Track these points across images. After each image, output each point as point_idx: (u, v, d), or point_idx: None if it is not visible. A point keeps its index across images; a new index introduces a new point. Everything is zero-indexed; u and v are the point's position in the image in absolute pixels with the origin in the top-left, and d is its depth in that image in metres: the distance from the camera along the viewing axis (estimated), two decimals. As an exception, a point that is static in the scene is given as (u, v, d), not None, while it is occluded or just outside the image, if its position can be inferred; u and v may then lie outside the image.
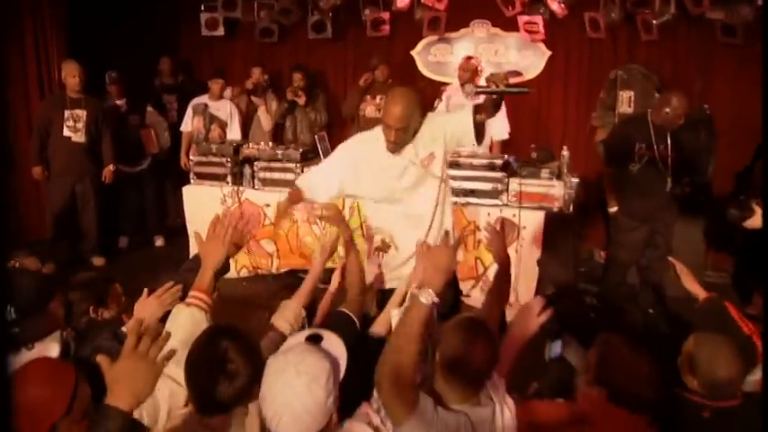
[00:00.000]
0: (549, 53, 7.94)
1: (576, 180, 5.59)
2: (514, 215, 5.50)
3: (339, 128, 8.12)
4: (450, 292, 3.82)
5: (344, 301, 3.14)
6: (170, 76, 8.40)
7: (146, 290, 2.63)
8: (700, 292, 3.51)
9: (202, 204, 6.46)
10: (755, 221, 3.92)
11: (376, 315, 3.13)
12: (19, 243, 6.24)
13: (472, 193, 5.68)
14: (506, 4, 7.48)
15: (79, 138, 6.71)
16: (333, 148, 5.53)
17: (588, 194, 6.59)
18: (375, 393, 2.26)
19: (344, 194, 3.99)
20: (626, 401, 2.43)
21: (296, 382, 1.98)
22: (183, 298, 2.44)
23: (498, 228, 3.30)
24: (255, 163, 6.34)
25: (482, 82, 3.83)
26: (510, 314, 3.20)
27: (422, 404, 2.22)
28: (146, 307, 2.54)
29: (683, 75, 7.39)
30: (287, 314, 2.72)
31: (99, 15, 7.99)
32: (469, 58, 6.94)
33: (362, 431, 2.21)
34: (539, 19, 7.53)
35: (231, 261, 2.68)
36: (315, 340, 2.27)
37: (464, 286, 5.41)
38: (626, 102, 7.31)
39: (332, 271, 3.47)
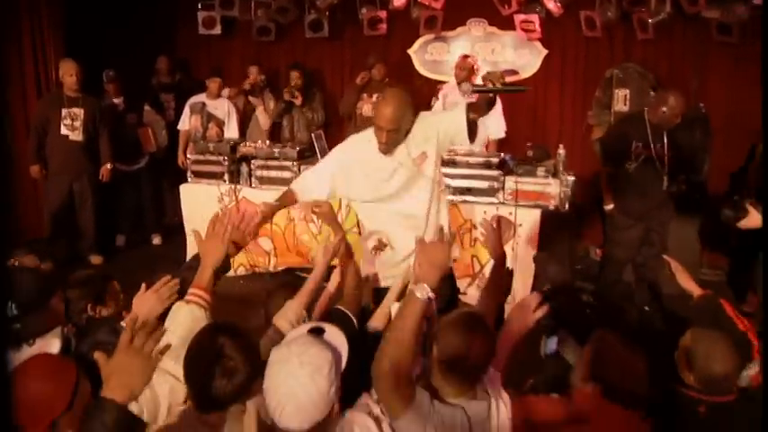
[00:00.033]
0: (545, 52, 7.96)
1: (572, 178, 5.59)
2: (511, 213, 5.51)
3: (336, 126, 8.14)
4: (447, 288, 3.84)
5: (341, 300, 3.15)
6: (167, 75, 8.40)
7: (143, 285, 2.64)
8: (695, 290, 3.53)
9: (200, 203, 6.47)
10: (749, 222, 3.93)
11: (373, 310, 3.15)
12: (17, 241, 6.25)
13: (468, 191, 5.69)
14: (503, 2, 7.51)
15: (77, 136, 6.72)
16: (330, 146, 5.55)
17: (584, 192, 6.61)
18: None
19: (337, 195, 3.99)
20: (620, 397, 2.45)
21: (299, 373, 1.99)
22: (182, 295, 2.44)
23: (494, 225, 3.30)
24: (252, 161, 6.35)
25: (479, 80, 3.83)
26: (508, 310, 3.22)
27: (418, 398, 2.25)
28: (144, 302, 2.55)
29: (679, 73, 7.41)
30: (289, 314, 2.73)
31: (96, 14, 7.99)
32: (466, 56, 6.95)
33: (363, 421, 2.23)
34: (535, 18, 7.55)
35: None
36: (317, 333, 2.28)
37: (460, 284, 5.42)
38: (621, 100, 7.33)
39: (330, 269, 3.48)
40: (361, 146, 3.85)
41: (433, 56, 8.38)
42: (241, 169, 6.42)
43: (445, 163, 5.54)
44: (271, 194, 5.98)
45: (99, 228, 7.11)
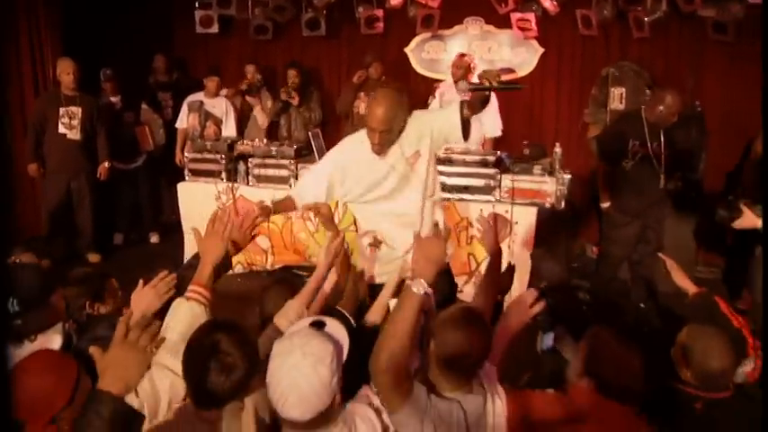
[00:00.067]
0: (541, 50, 7.96)
1: (568, 176, 5.61)
2: (507, 211, 5.52)
3: (333, 125, 8.14)
4: (445, 283, 3.85)
5: (340, 301, 3.17)
6: (164, 74, 8.41)
7: (141, 281, 2.65)
8: (690, 288, 3.55)
9: (197, 201, 6.48)
10: (744, 222, 3.95)
11: (369, 305, 3.16)
12: (15, 240, 6.26)
13: (465, 189, 5.70)
14: (499, 1, 7.51)
15: (74, 135, 6.72)
16: (327, 144, 5.59)
17: (580, 190, 6.63)
18: None
19: (334, 197, 4.00)
20: (615, 393, 2.47)
21: (302, 363, 2.02)
22: (183, 293, 2.46)
23: (491, 222, 3.32)
24: (250, 160, 6.34)
25: (475, 79, 3.84)
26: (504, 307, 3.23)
27: (416, 392, 2.27)
28: (142, 297, 2.56)
29: (675, 72, 7.43)
30: (290, 313, 2.74)
31: (94, 13, 7.99)
32: (462, 55, 6.97)
33: (364, 412, 2.26)
34: (531, 16, 7.57)
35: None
36: (318, 326, 2.30)
37: (457, 281, 5.43)
38: (617, 98, 7.35)
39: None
40: (355, 146, 3.87)
41: (429, 54, 8.39)
42: (238, 167, 6.41)
43: (441, 161, 5.56)
44: (268, 193, 6.03)
45: (97, 226, 7.11)
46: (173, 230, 7.21)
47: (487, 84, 3.42)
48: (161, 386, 2.13)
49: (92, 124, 6.85)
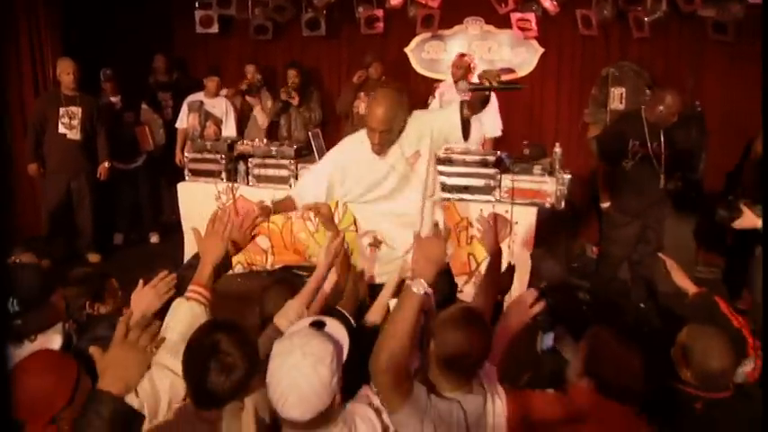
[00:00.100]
0: (541, 50, 7.97)
1: (568, 176, 5.61)
2: (507, 211, 5.52)
3: (333, 125, 8.15)
4: (445, 282, 3.86)
5: (340, 301, 3.17)
6: (164, 74, 8.41)
7: (141, 281, 2.65)
8: (690, 288, 3.55)
9: (197, 201, 6.48)
10: (744, 222, 3.95)
11: (369, 305, 3.16)
12: (15, 240, 6.26)
13: (465, 189, 5.70)
14: (499, 1, 7.52)
15: (74, 135, 6.73)
16: (327, 144, 5.59)
17: (580, 191, 6.63)
18: None
19: (334, 197, 4.00)
20: (615, 393, 2.47)
21: (302, 363, 2.02)
22: (183, 293, 2.46)
23: (491, 221, 3.32)
24: (250, 160, 6.34)
25: (475, 79, 3.85)
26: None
27: (416, 392, 2.27)
28: (142, 297, 2.56)
29: (675, 72, 7.44)
30: (290, 313, 2.74)
31: (94, 13, 7.99)
32: (462, 55, 6.98)
33: (364, 412, 2.26)
34: (531, 16, 7.57)
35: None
36: (318, 326, 2.31)
37: (457, 281, 5.43)
38: (617, 98, 7.36)
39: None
40: (355, 146, 3.87)
41: (429, 54, 8.40)
42: (238, 167, 6.41)
43: (442, 161, 5.57)
44: (268, 193, 6.03)
45: (97, 226, 7.11)
46: (173, 230, 7.22)
47: (487, 84, 3.42)
48: (161, 386, 2.13)
49: (92, 124, 6.85)
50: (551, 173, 5.65)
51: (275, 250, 6.35)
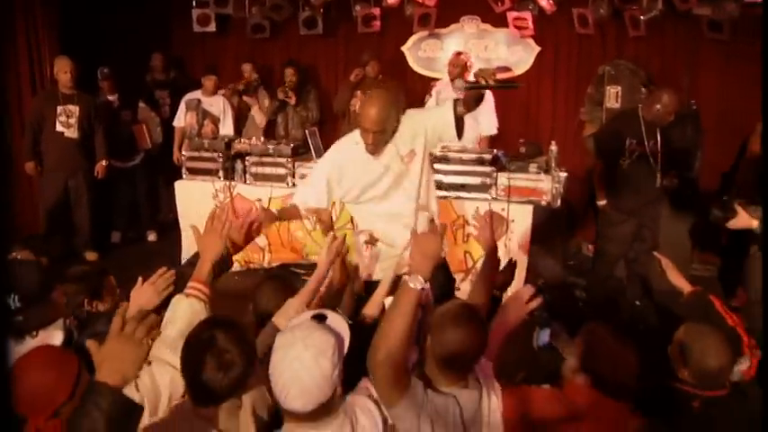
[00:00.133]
0: (538, 49, 7.99)
1: (564, 174, 5.63)
2: (503, 209, 5.54)
3: (331, 124, 8.16)
4: (443, 276, 3.87)
5: (333, 300, 3.18)
6: (162, 72, 8.41)
7: (140, 278, 2.67)
8: (685, 287, 3.57)
9: (194, 199, 6.49)
10: (738, 222, 3.98)
11: (365, 302, 3.18)
12: (12, 238, 6.26)
13: (461, 187, 5.72)
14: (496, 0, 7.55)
15: (72, 133, 6.74)
16: (324, 143, 5.60)
17: (576, 188, 6.65)
18: None
19: (333, 197, 4.02)
20: (610, 389, 2.49)
21: (304, 356, 2.04)
22: (182, 290, 2.47)
23: (487, 218, 3.35)
24: (247, 158, 6.36)
25: (471, 77, 3.86)
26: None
27: (413, 387, 2.29)
28: (141, 294, 2.58)
29: (671, 70, 7.46)
30: (290, 312, 2.76)
31: (91, 12, 8.00)
32: (459, 53, 6.98)
33: (364, 403, 2.29)
34: (528, 15, 7.59)
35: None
36: (319, 319, 2.32)
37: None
38: (613, 97, 7.38)
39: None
40: (349, 147, 3.88)
41: (426, 53, 8.41)
42: (236, 166, 6.42)
43: (438, 159, 5.59)
44: (265, 191, 6.06)
45: (94, 224, 7.12)
46: (170, 229, 7.23)
47: (484, 82, 3.42)
48: (161, 381, 2.14)
49: (89, 123, 6.86)
50: (547, 171, 5.67)
51: (272, 248, 6.36)
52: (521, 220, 5.58)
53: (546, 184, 5.61)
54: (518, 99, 7.89)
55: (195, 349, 2.09)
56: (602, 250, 5.98)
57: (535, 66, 8.05)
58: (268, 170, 6.29)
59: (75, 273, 3.36)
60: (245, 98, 7.82)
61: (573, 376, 2.60)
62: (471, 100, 3.57)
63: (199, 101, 7.58)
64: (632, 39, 7.36)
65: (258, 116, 7.81)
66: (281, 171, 6.19)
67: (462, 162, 5.72)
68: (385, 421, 2.30)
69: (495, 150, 5.89)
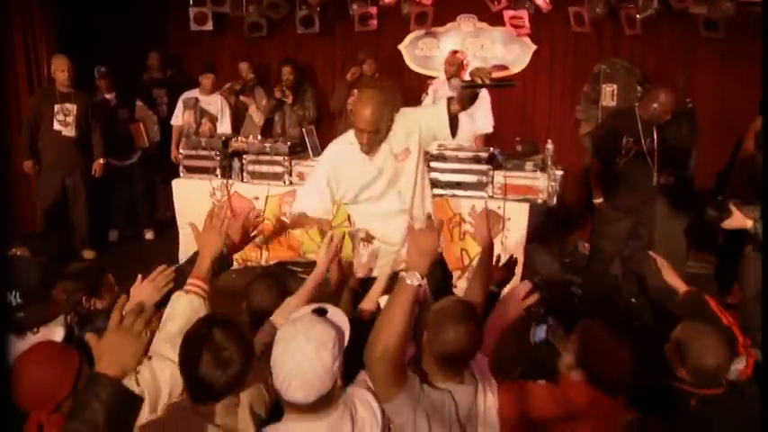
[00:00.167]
0: (534, 47, 8.01)
1: (560, 172, 5.64)
2: (499, 207, 5.55)
3: (328, 122, 8.17)
4: (440, 271, 3.88)
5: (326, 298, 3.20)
6: (159, 71, 8.41)
7: (140, 276, 2.69)
8: (680, 287, 3.59)
9: (192, 197, 6.49)
10: (732, 222, 4.00)
11: (362, 298, 3.20)
12: (12, 236, 6.26)
13: (458, 185, 5.72)
14: (492, -2, 7.58)
15: (69, 132, 6.74)
16: (321, 142, 5.61)
17: (572, 187, 6.67)
18: None
19: (335, 197, 4.03)
20: (605, 384, 2.51)
21: (306, 348, 2.08)
22: (181, 287, 2.49)
23: (483, 215, 3.36)
24: (244, 156, 6.36)
25: (467, 76, 3.88)
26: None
27: (410, 382, 2.32)
28: (141, 291, 2.59)
29: (667, 69, 7.48)
30: (288, 311, 2.77)
31: (88, 11, 8.00)
32: (455, 52, 6.99)
33: (363, 395, 2.32)
34: (524, 13, 7.61)
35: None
36: (320, 313, 2.35)
37: (450, 277, 5.48)
38: (609, 95, 7.40)
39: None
40: (344, 148, 3.90)
41: (423, 51, 8.44)
42: (233, 164, 6.43)
43: (435, 157, 5.60)
44: (262, 189, 6.07)
45: (92, 223, 7.13)
46: (167, 227, 7.24)
47: (480, 81, 3.42)
48: (162, 377, 2.15)
49: (86, 121, 6.87)
50: (543, 169, 5.67)
51: (270, 246, 6.35)
52: (517, 218, 5.58)
53: (542, 183, 5.61)
54: (514, 97, 7.91)
55: (193, 346, 2.10)
56: (598, 248, 5.99)
57: (531, 64, 8.07)
58: (265, 168, 6.29)
59: (73, 270, 3.37)
60: (241, 98, 7.83)
61: (569, 372, 2.62)
62: (465, 98, 3.58)
63: (197, 99, 7.58)
64: (628, 37, 7.38)
65: (256, 116, 7.83)
66: (278, 169, 6.19)
67: (459, 160, 5.73)
68: (383, 412, 2.33)
69: (491, 148, 5.89)
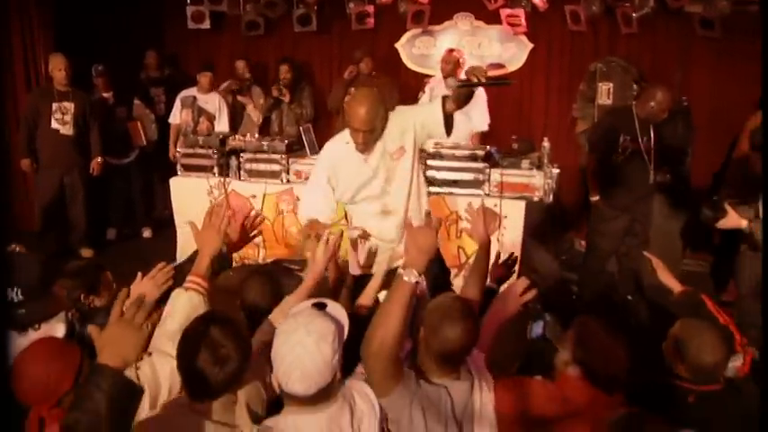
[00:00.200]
0: (530, 46, 8.04)
1: (556, 170, 5.65)
2: (496, 205, 5.57)
3: (325, 121, 8.15)
4: (437, 267, 3.90)
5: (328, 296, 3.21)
6: (156, 70, 8.42)
7: (139, 273, 2.70)
8: (675, 286, 3.60)
9: (189, 196, 6.48)
10: (728, 222, 4.01)
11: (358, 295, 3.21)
12: (11, 233, 6.27)
13: (454, 183, 5.74)
14: (489, -3, 7.60)
15: (67, 130, 6.74)
16: (318, 140, 5.62)
17: (569, 184, 6.68)
18: None
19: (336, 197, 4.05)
20: (601, 380, 2.52)
21: (306, 341, 2.11)
22: (181, 285, 2.50)
23: (479, 212, 3.37)
24: (241, 154, 6.37)
25: (463, 75, 3.89)
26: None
27: (406, 378, 2.33)
28: (141, 288, 2.60)
29: (663, 67, 7.51)
30: (286, 309, 2.79)
31: (86, 10, 8.00)
32: (452, 50, 7.00)
33: (361, 388, 2.34)
34: (521, 12, 7.64)
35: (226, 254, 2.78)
36: (319, 307, 2.36)
37: (446, 275, 5.49)
38: (605, 93, 7.42)
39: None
40: (340, 147, 3.92)
41: (420, 50, 8.45)
42: (230, 162, 6.44)
43: (431, 155, 5.62)
44: (259, 187, 6.07)
45: (90, 221, 7.13)
46: (165, 225, 7.23)
47: (475, 80, 3.42)
48: (162, 372, 2.16)
49: (84, 119, 6.87)
50: (540, 167, 5.69)
51: (267, 244, 6.37)
52: (513, 215, 5.60)
53: (538, 180, 5.63)
54: (511, 96, 7.93)
55: (191, 343, 2.11)
56: (594, 245, 6.00)
57: (528, 62, 8.10)
58: (262, 167, 6.30)
59: (71, 268, 3.39)
60: (239, 97, 7.84)
61: (565, 368, 2.63)
62: (460, 97, 3.60)
63: (194, 98, 7.57)
64: (624, 36, 7.41)
65: (254, 115, 7.84)
66: (276, 167, 6.20)
67: (455, 158, 5.74)
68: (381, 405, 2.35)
69: (488, 146, 5.91)
